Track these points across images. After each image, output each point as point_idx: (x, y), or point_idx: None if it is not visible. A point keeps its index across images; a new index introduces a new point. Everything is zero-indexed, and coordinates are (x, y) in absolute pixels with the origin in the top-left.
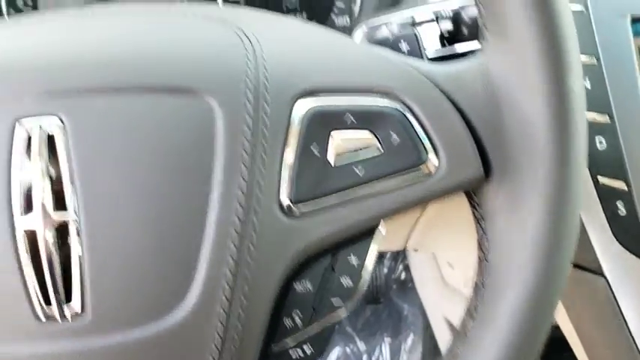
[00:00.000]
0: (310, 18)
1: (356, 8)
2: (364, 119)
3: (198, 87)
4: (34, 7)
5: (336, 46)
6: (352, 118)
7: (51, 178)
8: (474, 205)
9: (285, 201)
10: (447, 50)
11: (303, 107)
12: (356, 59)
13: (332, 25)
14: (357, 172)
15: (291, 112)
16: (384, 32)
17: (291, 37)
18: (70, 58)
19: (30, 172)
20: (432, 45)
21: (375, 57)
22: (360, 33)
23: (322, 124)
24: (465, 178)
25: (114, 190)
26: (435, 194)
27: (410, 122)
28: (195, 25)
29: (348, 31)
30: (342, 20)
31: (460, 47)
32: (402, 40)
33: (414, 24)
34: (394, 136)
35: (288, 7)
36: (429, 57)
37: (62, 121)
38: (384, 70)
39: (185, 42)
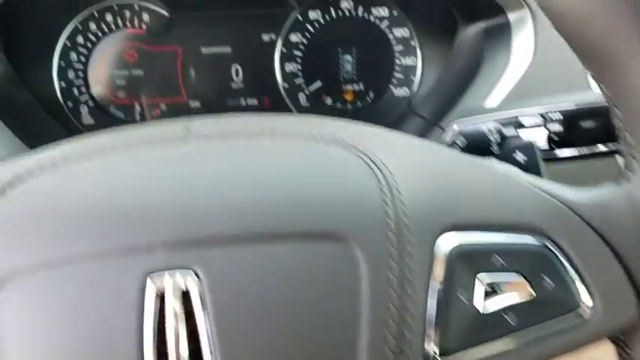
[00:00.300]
0: (367, 89)
1: (416, 80)
2: (513, 260)
3: (338, 232)
4: (85, 79)
5: (468, 174)
6: (500, 259)
7: (187, 335)
8: (622, 347)
9: (431, 351)
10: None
11: (445, 244)
12: (495, 190)
13: (390, 97)
14: (509, 320)
15: (433, 250)
16: (484, 135)
17: (419, 161)
18: (201, 203)
19: (164, 330)
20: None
21: (513, 186)
22: (451, 132)
23: (468, 265)
24: (622, 322)
25: (256, 347)
26: (589, 339)
27: (562, 263)
28: (317, 153)
29: (406, 102)
30: (401, 91)
31: (569, 152)
32: (516, 150)
33: (518, 126)
34: (547, 279)
35: (345, 78)
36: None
37: (197, 275)
38: (526, 202)
39: (316, 180)
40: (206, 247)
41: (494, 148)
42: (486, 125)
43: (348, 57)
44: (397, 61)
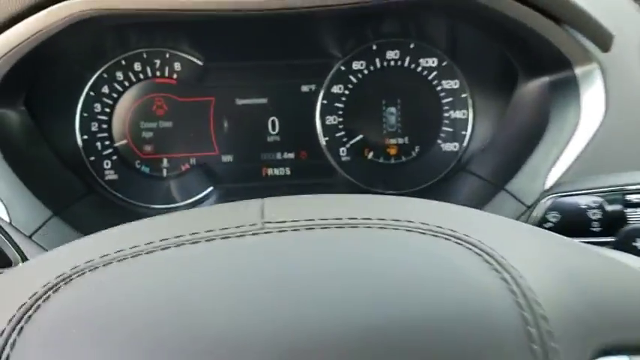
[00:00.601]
0: (412, 143)
1: (466, 134)
2: None
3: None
4: (109, 132)
5: (613, 275)
6: None
7: None
8: None
9: None
10: None
11: None
12: None
13: (438, 152)
14: None
15: None
16: (583, 211)
17: (550, 259)
18: (304, 331)
19: None
20: None
21: None
22: (542, 206)
23: None
24: None
25: None
26: None
27: None
28: (428, 249)
29: (456, 158)
30: (450, 146)
31: None
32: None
33: (626, 204)
34: None
35: (389, 131)
36: None
37: None
38: None
39: (440, 292)
40: None
41: (595, 227)
42: (585, 200)
43: (393, 109)
44: (446, 114)
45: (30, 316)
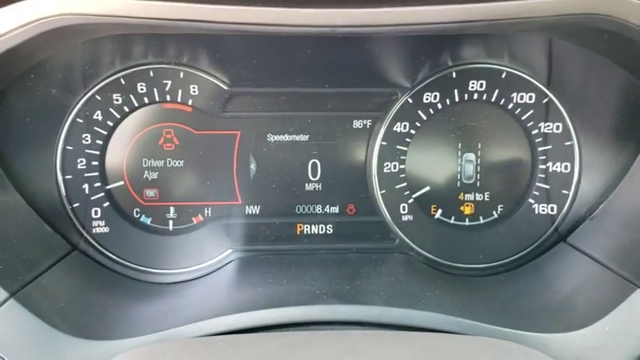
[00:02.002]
0: (494, 200)
1: (569, 194)
2: None
3: None
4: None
5: None
6: None
7: None
8: None
9: None
10: None
11: None
12: None
13: (527, 214)
14: None
15: None
16: None
17: None
18: None
19: None
20: None
21: None
22: None
23: None
24: None
25: None
26: None
27: None
28: None
29: (551, 224)
30: (545, 208)
31: None
32: None
33: None
34: None
35: (464, 184)
36: None
37: None
38: None
39: None
40: None
41: None
42: None
43: (471, 155)
44: (542, 166)
45: None
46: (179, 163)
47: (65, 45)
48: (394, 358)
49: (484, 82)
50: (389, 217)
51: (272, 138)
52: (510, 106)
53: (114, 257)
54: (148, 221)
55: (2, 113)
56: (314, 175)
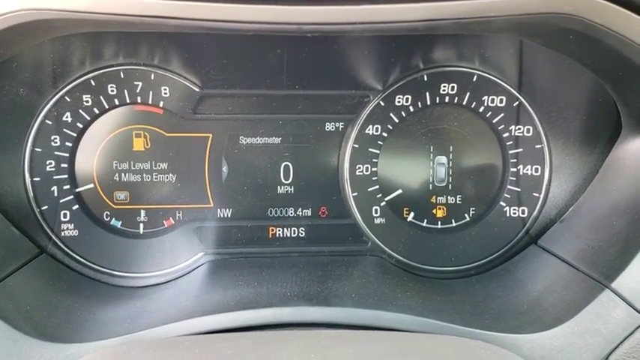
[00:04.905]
0: (466, 204)
1: (540, 197)
2: None
3: None
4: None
5: None
6: None
7: None
8: None
9: None
10: None
11: None
12: None
13: (499, 217)
14: None
15: None
16: None
17: None
18: None
19: None
20: None
21: None
22: None
23: None
24: None
25: None
26: None
27: None
28: None
29: (522, 227)
30: (516, 211)
31: None
32: None
33: None
34: None
35: (437, 187)
36: None
37: None
38: None
39: None
40: None
41: None
42: None
43: (443, 158)
44: (513, 169)
45: None
46: (150, 165)
47: (32, 42)
48: (360, 355)
49: (455, 85)
50: (361, 220)
51: (244, 140)
52: (482, 109)
53: (83, 261)
54: (119, 224)
55: None
56: (286, 178)
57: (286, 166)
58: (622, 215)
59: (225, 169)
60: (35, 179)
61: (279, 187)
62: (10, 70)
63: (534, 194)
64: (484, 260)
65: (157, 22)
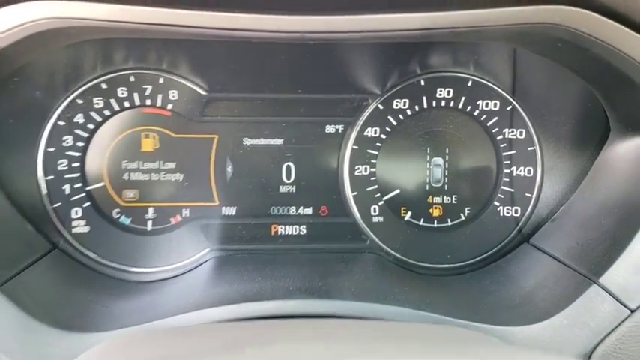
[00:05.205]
0: (461, 203)
1: (532, 197)
2: None
3: None
4: (82, 172)
5: None
6: None
7: None
8: None
9: None
10: None
11: None
12: None
13: (492, 217)
14: None
15: None
16: None
17: None
18: None
19: None
20: None
21: None
22: None
23: None
24: None
25: None
26: None
27: None
28: None
29: (515, 226)
30: (509, 211)
31: None
32: None
33: None
34: None
35: (433, 187)
36: None
37: None
38: None
39: None
40: None
41: None
42: None
43: (439, 160)
44: (507, 170)
45: None
46: (158, 165)
47: (51, 48)
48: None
49: (451, 90)
50: (360, 219)
51: (248, 142)
52: (476, 112)
53: (93, 256)
54: (128, 221)
55: None
56: (288, 178)
57: (288, 167)
58: (610, 214)
59: (229, 169)
60: (48, 178)
61: (281, 186)
62: (27, 74)
63: (527, 195)
64: (478, 258)
65: (169, 29)
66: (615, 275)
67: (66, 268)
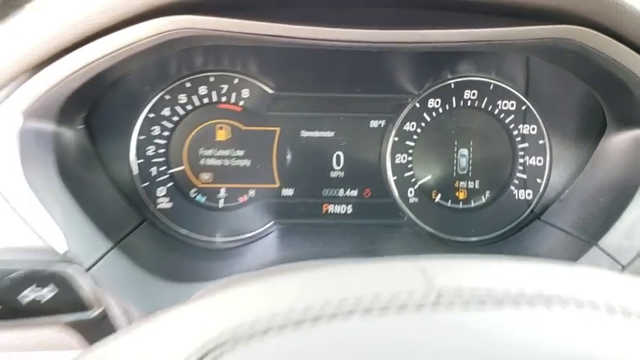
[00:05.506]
0: (483, 187)
1: (542, 182)
2: None
3: None
4: (166, 156)
5: None
6: None
7: None
8: None
9: None
10: None
11: None
12: None
13: (509, 199)
14: None
15: None
16: None
17: None
18: None
19: None
20: None
21: None
22: None
23: None
24: None
25: None
26: None
27: None
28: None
29: (528, 206)
30: (523, 194)
31: None
32: None
33: None
34: None
35: (459, 174)
36: None
37: None
38: None
39: None
40: None
41: None
42: None
43: (465, 151)
44: (521, 160)
45: None
46: (229, 152)
47: (169, 52)
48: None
49: (476, 92)
50: (399, 199)
51: (305, 134)
52: (496, 111)
53: (175, 227)
54: (203, 199)
55: (101, 104)
56: (338, 165)
57: (338, 156)
58: (606, 194)
59: (289, 156)
60: (139, 161)
61: (331, 172)
62: (138, 72)
63: (538, 180)
64: (498, 233)
65: (269, 39)
66: (610, 239)
67: (156, 237)
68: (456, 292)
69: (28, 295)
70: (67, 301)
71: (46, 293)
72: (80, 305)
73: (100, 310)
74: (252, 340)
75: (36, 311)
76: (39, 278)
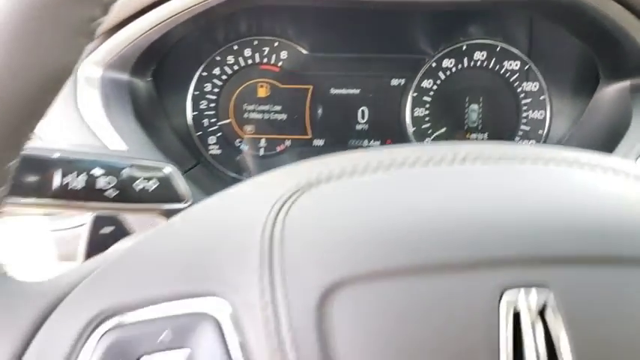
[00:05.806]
0: (491, 139)
1: (543, 133)
2: None
3: None
4: (216, 110)
5: None
6: None
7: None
8: None
9: None
10: None
11: None
12: None
13: None
14: None
15: None
16: None
17: None
18: (549, 223)
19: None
20: None
21: None
22: None
23: None
24: None
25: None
26: None
27: None
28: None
29: None
30: (527, 144)
31: None
32: None
33: None
34: None
35: (470, 127)
36: None
37: (553, 293)
38: None
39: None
40: (559, 265)
41: None
42: None
43: (475, 106)
44: (524, 114)
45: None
46: (269, 107)
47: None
48: None
49: (485, 53)
50: None
51: (334, 91)
52: (502, 71)
53: (224, 171)
54: (246, 148)
55: (166, 62)
56: (362, 118)
57: (363, 110)
58: (599, 140)
59: (319, 111)
60: (194, 113)
61: (357, 125)
62: (191, 34)
63: (539, 132)
64: None
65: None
66: None
67: (209, 178)
68: (479, 152)
69: (139, 184)
70: (166, 193)
71: (152, 184)
72: (176, 197)
73: (191, 202)
74: (330, 181)
75: (143, 198)
76: (145, 172)
